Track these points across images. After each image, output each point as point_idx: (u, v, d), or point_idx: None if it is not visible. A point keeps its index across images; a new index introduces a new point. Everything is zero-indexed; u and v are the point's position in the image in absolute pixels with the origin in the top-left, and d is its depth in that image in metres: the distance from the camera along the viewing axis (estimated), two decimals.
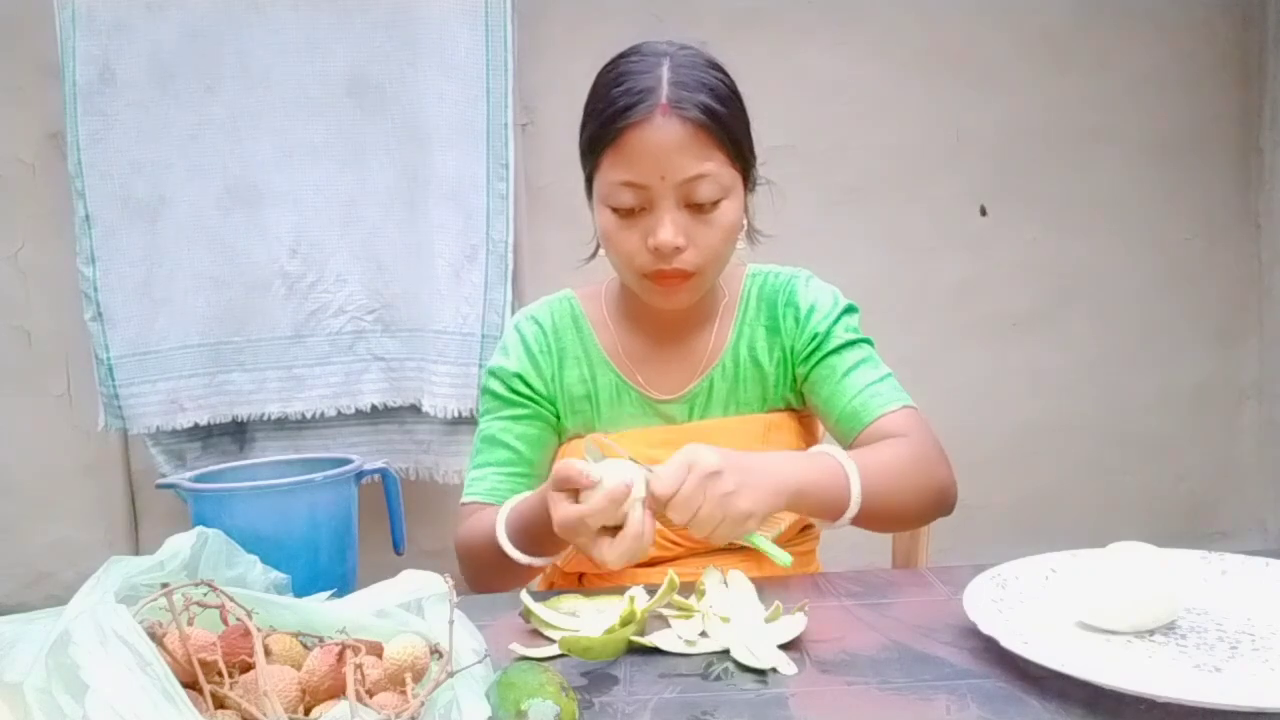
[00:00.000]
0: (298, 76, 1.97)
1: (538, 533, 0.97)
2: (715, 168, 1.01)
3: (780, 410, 1.16)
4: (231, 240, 2.00)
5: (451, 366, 1.98)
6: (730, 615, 0.82)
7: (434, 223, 1.99)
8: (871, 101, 2.25)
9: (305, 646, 0.65)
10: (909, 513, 1.05)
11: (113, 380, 2.01)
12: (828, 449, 1.00)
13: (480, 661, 0.65)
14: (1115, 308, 2.36)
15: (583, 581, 1.17)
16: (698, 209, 1.02)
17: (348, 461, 1.03)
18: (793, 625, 0.81)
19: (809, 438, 1.18)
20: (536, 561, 1.01)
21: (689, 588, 0.87)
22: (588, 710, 0.70)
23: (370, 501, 2.12)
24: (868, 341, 1.14)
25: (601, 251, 1.12)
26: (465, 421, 2.03)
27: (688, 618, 0.83)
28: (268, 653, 0.62)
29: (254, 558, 0.73)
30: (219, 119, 1.98)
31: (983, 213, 2.32)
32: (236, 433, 2.10)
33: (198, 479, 1.08)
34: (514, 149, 1.99)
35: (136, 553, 2.00)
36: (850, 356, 1.12)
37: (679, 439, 1.08)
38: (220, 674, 0.59)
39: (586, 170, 1.08)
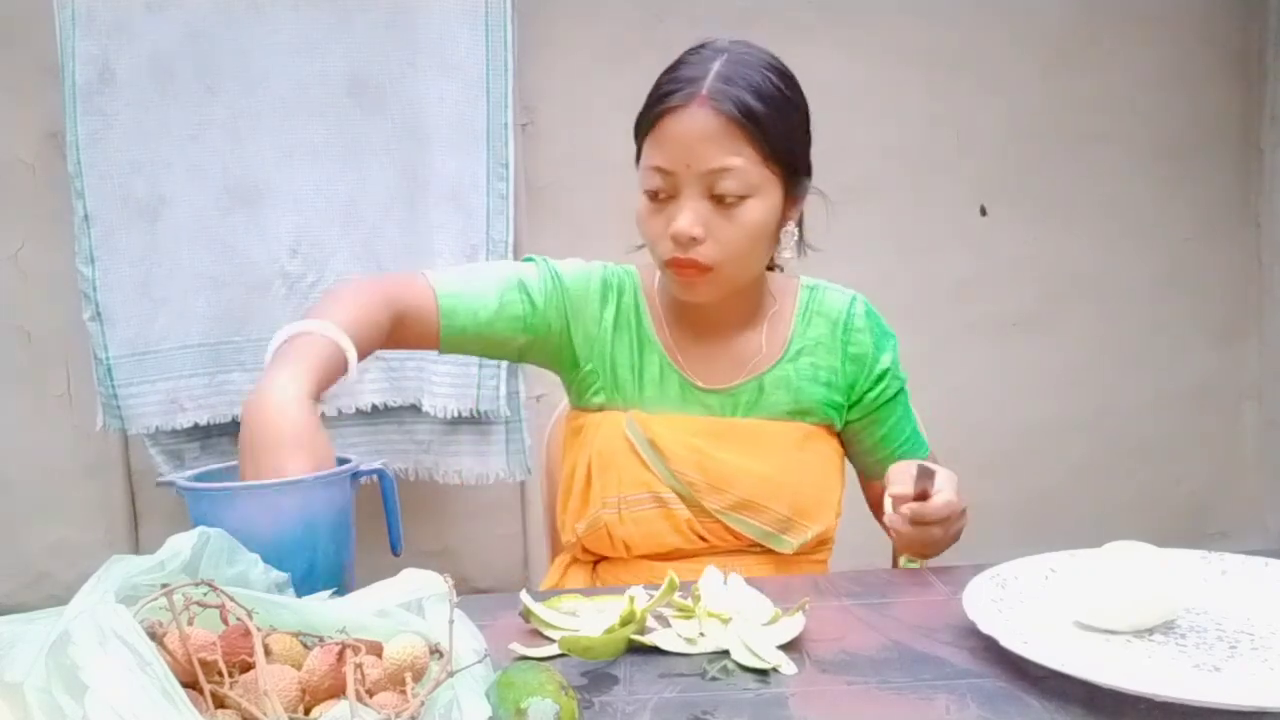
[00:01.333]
0: (298, 76, 1.97)
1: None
2: (743, 164, 1.01)
3: (820, 424, 1.16)
4: (231, 240, 1.99)
5: (451, 366, 1.98)
6: (730, 616, 0.82)
7: (434, 223, 1.99)
8: (872, 101, 2.25)
9: (305, 646, 0.65)
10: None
11: (112, 380, 2.00)
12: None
13: (480, 661, 0.65)
14: (1115, 308, 2.36)
15: (597, 569, 1.17)
16: (720, 202, 1.02)
17: (345, 461, 1.03)
18: (792, 626, 0.81)
19: (837, 454, 1.19)
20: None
21: (688, 588, 0.87)
22: (588, 710, 0.70)
23: (370, 502, 2.12)
24: (905, 382, 1.21)
25: None
26: (465, 421, 2.03)
27: (688, 618, 0.83)
28: (268, 652, 0.62)
29: (255, 557, 0.73)
30: (219, 119, 1.97)
31: (983, 213, 2.32)
32: (236, 433, 2.09)
33: (196, 478, 1.08)
34: (514, 149, 1.99)
35: (136, 553, 2.00)
36: (898, 405, 1.20)
37: (721, 431, 1.12)
38: (220, 674, 0.59)
39: (637, 157, 1.09)
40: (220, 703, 0.59)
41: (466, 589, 0.83)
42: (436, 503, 2.27)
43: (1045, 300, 2.34)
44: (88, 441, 2.20)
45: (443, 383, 1.99)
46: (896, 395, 1.19)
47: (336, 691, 0.60)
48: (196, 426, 2.05)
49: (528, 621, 0.87)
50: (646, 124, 1.04)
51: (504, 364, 1.97)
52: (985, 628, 0.75)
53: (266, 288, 2.00)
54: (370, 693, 0.60)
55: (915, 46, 2.25)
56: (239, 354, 2.02)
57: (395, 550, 1.00)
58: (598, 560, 1.17)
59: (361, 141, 1.99)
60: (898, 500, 0.98)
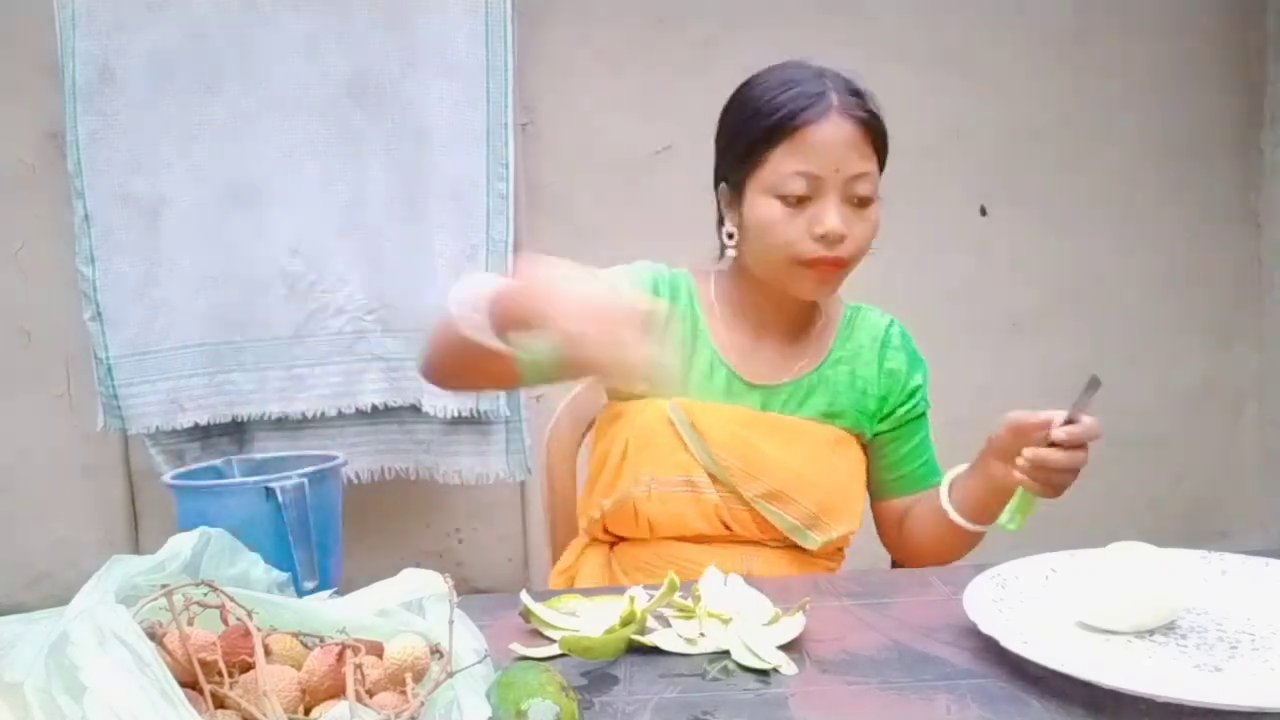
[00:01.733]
0: (298, 76, 1.97)
1: (520, 318, 0.81)
2: (873, 169, 1.10)
3: (851, 431, 1.21)
4: (231, 240, 1.99)
5: None
6: (730, 616, 0.82)
7: (434, 223, 1.99)
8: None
9: (305, 646, 0.65)
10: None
11: (112, 380, 2.00)
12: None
13: (480, 661, 0.65)
14: (1115, 307, 2.36)
15: (614, 550, 1.19)
16: (856, 204, 1.09)
17: (332, 458, 1.04)
18: (792, 626, 0.81)
19: (863, 462, 1.23)
20: (503, 346, 0.84)
21: (688, 588, 0.87)
22: (588, 710, 0.70)
23: (369, 502, 2.12)
24: (928, 409, 1.27)
25: (730, 251, 1.17)
26: (465, 421, 2.03)
27: (688, 618, 0.83)
28: (268, 653, 0.62)
29: (255, 556, 0.73)
30: (219, 119, 1.97)
31: (982, 213, 2.32)
32: (236, 433, 2.10)
33: (189, 475, 1.08)
34: (514, 149, 1.99)
35: (136, 553, 2.00)
36: (922, 427, 1.26)
37: (761, 422, 1.16)
38: (220, 674, 0.59)
39: (743, 169, 1.12)
40: (220, 703, 0.59)
41: (466, 589, 0.83)
42: (436, 503, 2.27)
43: (1045, 300, 2.34)
44: (88, 441, 2.20)
45: None
46: (921, 417, 1.25)
47: (336, 692, 0.60)
48: (196, 426, 2.05)
49: (528, 621, 0.87)
50: (783, 133, 1.08)
51: None
52: (986, 628, 0.75)
53: (266, 288, 2.00)
54: (370, 693, 0.60)
55: (915, 47, 2.25)
56: (239, 354, 2.02)
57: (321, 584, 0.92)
58: (615, 541, 1.20)
59: (361, 141, 1.99)
60: (1041, 427, 1.07)
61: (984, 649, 0.77)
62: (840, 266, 1.11)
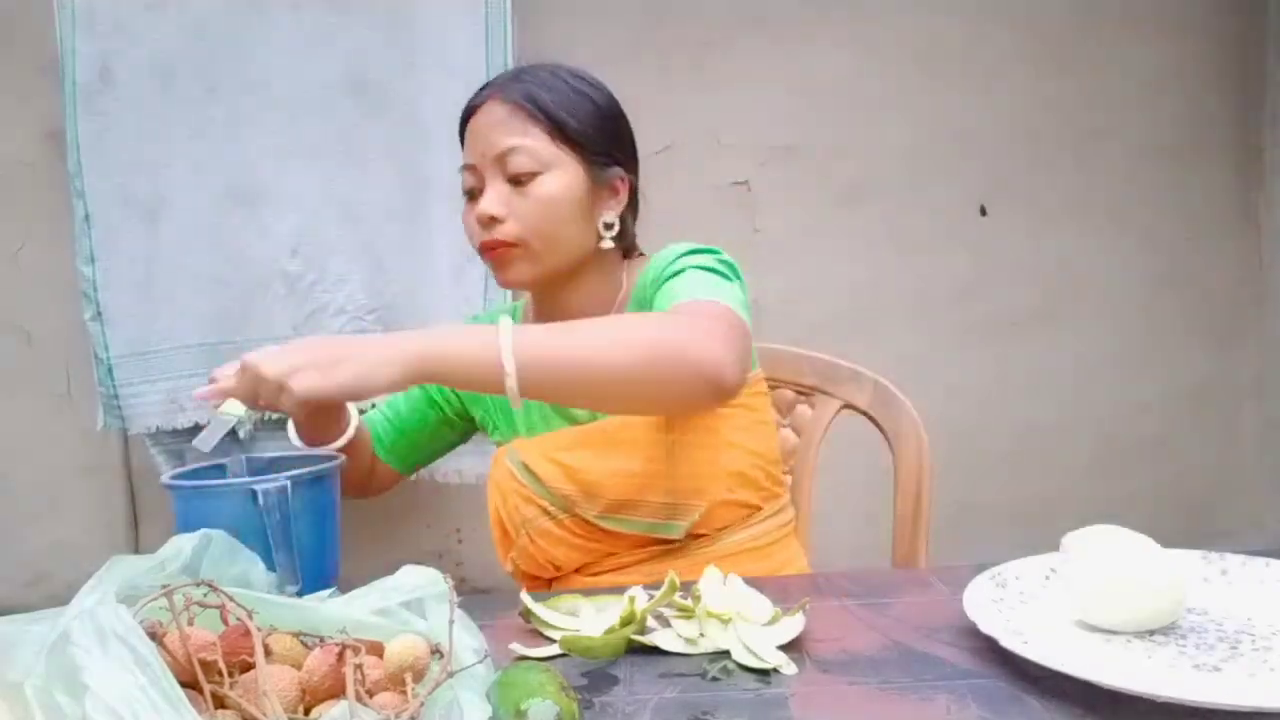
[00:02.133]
0: (298, 76, 1.97)
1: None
2: (531, 142, 1.09)
3: None
4: (231, 240, 1.99)
5: None
6: (730, 616, 0.82)
7: (434, 222, 1.99)
8: (871, 101, 2.25)
9: (305, 646, 0.65)
10: (628, 379, 0.93)
11: (112, 380, 2.00)
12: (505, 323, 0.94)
13: (480, 661, 0.65)
14: (1115, 308, 2.36)
15: (552, 586, 1.17)
16: (518, 183, 1.10)
17: (333, 459, 1.04)
18: (792, 626, 0.81)
19: (722, 420, 1.11)
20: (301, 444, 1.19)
21: (689, 588, 0.87)
22: (588, 710, 0.70)
23: (369, 502, 2.12)
24: (703, 267, 1.08)
25: None
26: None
27: (688, 618, 0.83)
28: (268, 652, 0.62)
29: (255, 557, 0.73)
30: (219, 119, 1.97)
31: (983, 213, 2.32)
32: (236, 432, 2.10)
33: (195, 474, 1.08)
34: None
35: (136, 553, 2.00)
36: (678, 277, 1.06)
37: (584, 440, 1.11)
38: (220, 674, 0.59)
39: None
40: (220, 703, 0.59)
41: (466, 589, 0.82)
42: (436, 503, 2.27)
43: (1045, 300, 2.34)
44: (88, 441, 2.20)
45: None
46: (678, 274, 1.08)
47: (336, 691, 0.60)
48: (197, 426, 2.04)
49: (528, 621, 0.87)
50: (461, 136, 1.16)
51: None
52: (985, 628, 0.75)
53: (266, 288, 2.00)
54: (370, 693, 0.60)
55: (915, 47, 2.25)
56: (239, 354, 2.01)
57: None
58: (551, 579, 1.18)
59: (361, 141, 1.99)
60: None
61: (984, 649, 0.77)
62: (510, 247, 1.10)
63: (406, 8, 1.95)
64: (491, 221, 1.10)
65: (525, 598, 0.87)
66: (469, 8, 1.95)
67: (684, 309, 1.01)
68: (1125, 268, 2.35)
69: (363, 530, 2.14)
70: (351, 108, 1.98)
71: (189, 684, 0.58)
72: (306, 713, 0.60)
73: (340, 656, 0.60)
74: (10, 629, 0.60)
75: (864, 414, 1.35)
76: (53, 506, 2.26)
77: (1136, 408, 2.37)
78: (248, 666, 0.60)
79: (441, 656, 0.63)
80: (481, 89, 1.16)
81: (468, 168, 1.14)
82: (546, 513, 1.12)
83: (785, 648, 0.78)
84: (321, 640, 0.64)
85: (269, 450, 2.09)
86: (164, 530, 0.85)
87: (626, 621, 0.80)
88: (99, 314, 2.00)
